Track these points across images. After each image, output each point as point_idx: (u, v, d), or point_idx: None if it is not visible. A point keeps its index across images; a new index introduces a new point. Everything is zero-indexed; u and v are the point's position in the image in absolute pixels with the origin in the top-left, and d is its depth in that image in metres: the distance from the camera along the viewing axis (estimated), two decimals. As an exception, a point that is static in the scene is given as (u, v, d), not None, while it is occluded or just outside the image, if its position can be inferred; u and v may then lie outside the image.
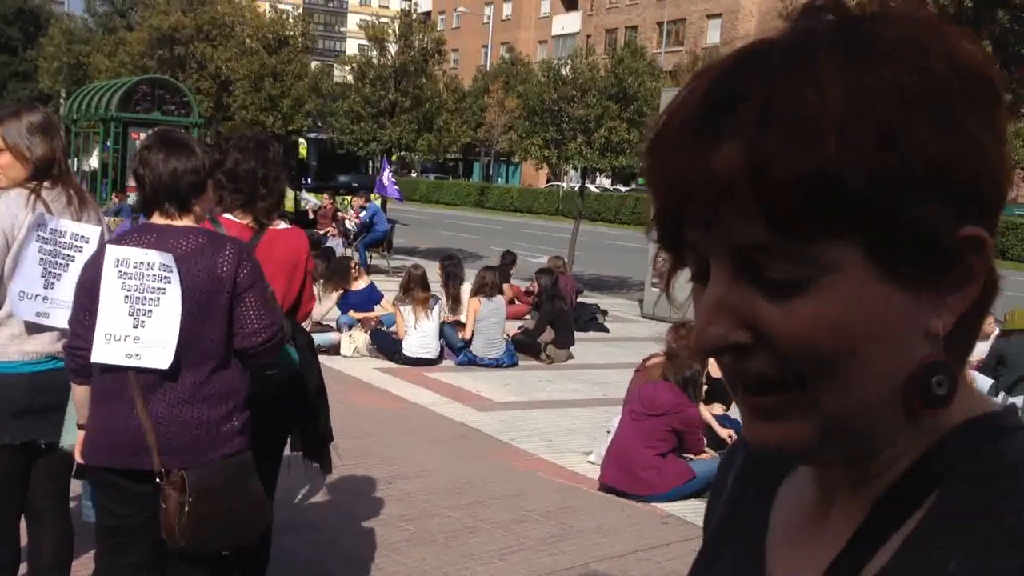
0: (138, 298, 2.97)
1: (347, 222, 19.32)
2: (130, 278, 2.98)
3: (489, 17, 74.06)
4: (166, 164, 3.07)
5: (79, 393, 3.14)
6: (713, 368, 7.79)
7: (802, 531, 0.86)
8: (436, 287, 11.16)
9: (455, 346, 10.64)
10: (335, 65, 38.55)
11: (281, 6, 37.27)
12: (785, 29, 0.75)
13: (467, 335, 10.52)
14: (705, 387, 7.17)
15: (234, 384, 3.13)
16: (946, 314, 0.73)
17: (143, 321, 2.97)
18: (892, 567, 0.74)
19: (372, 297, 11.89)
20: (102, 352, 2.97)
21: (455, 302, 11.62)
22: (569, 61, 18.41)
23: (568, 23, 70.82)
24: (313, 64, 35.97)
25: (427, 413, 8.36)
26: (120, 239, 3.10)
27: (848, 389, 0.72)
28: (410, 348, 10.18)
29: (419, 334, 10.21)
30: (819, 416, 0.74)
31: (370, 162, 30.14)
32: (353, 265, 12.32)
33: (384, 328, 10.88)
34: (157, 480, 2.95)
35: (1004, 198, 0.75)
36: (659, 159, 0.75)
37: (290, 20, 34.63)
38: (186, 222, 3.11)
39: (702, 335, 0.74)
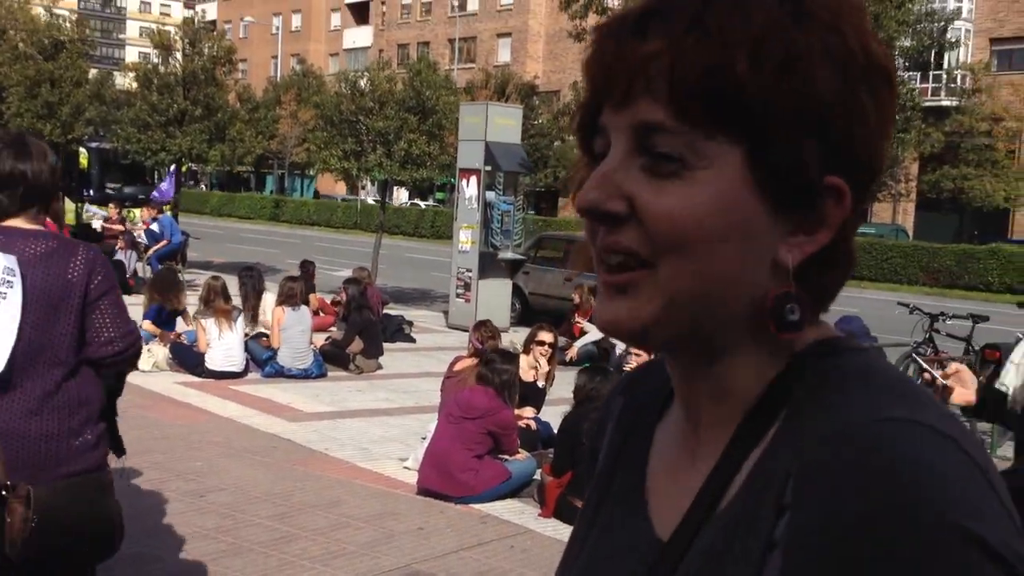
0: None
1: (135, 233, 18.54)
2: None
3: (278, 28, 72.76)
4: (29, 164, 2.93)
5: None
6: (525, 373, 8.01)
7: (676, 468, 0.92)
8: (235, 300, 10.90)
9: (260, 359, 10.43)
10: (118, 72, 36.93)
11: (56, 10, 35.26)
12: None
13: (275, 343, 10.34)
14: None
15: (86, 394, 2.95)
16: (795, 250, 0.81)
17: None
18: (747, 484, 0.80)
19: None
20: None
21: (255, 315, 11.40)
22: (367, 73, 18.37)
23: (359, 37, 70.51)
24: (92, 71, 34.26)
25: (235, 425, 8.17)
26: None
27: (694, 274, 0.80)
28: (214, 361, 9.91)
29: (223, 347, 9.95)
30: (663, 296, 0.81)
31: (156, 172, 28.98)
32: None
33: (185, 342, 10.54)
34: (2, 493, 2.78)
35: (876, 171, 0.84)
36: (598, 47, 0.84)
37: (67, 24, 32.91)
38: (36, 225, 2.98)
39: (584, 196, 0.83)
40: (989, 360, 10.00)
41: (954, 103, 36.53)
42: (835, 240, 0.82)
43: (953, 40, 31.75)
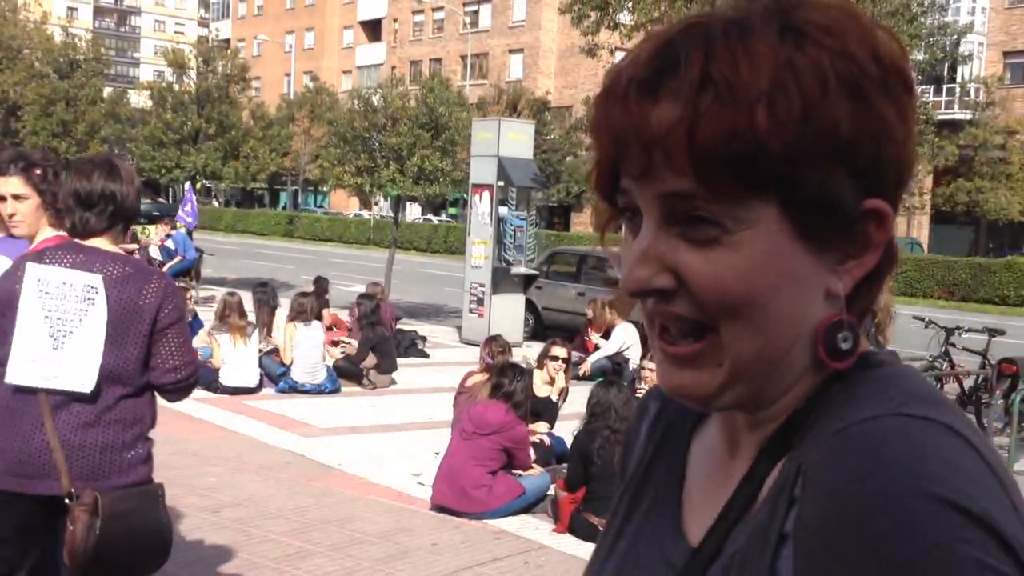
0: (59, 319, 2.90)
1: (151, 249, 18.60)
2: (51, 298, 2.90)
3: (291, 46, 73.16)
4: (119, 185, 3.01)
5: None
6: (538, 388, 7.99)
7: (711, 479, 0.92)
8: (249, 316, 10.93)
9: (274, 374, 10.45)
10: (132, 90, 37.18)
11: (72, 29, 35.52)
12: (726, 8, 0.83)
13: (286, 359, 10.35)
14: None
15: (140, 412, 3.08)
16: (846, 278, 0.82)
17: (63, 343, 2.90)
18: (771, 490, 0.81)
19: (191, 327, 11.51)
20: (19, 373, 2.88)
21: (269, 330, 11.44)
22: (379, 89, 18.46)
23: (372, 54, 70.82)
24: (107, 90, 34.52)
25: (250, 441, 8.17)
26: (42, 257, 3.00)
27: (755, 335, 0.80)
28: (228, 377, 9.93)
29: (237, 362, 9.96)
30: (728, 361, 0.82)
31: (170, 189, 29.16)
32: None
33: (201, 358, 10.55)
34: (67, 501, 2.85)
35: (907, 181, 0.84)
36: (605, 111, 0.83)
37: (82, 43, 33.19)
38: (115, 247, 3.07)
39: (629, 277, 0.82)
40: (1006, 374, 9.93)
41: (968, 116, 36.44)
42: (883, 258, 0.83)
43: (967, 54, 31.69)
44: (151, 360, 3.05)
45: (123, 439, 3.00)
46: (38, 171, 3.53)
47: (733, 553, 0.82)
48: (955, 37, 29.15)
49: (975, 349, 10.83)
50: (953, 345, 10.87)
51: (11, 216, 3.52)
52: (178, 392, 3.15)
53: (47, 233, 3.61)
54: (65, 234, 3.18)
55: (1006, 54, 40.52)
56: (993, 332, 10.91)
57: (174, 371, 3.07)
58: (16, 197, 3.50)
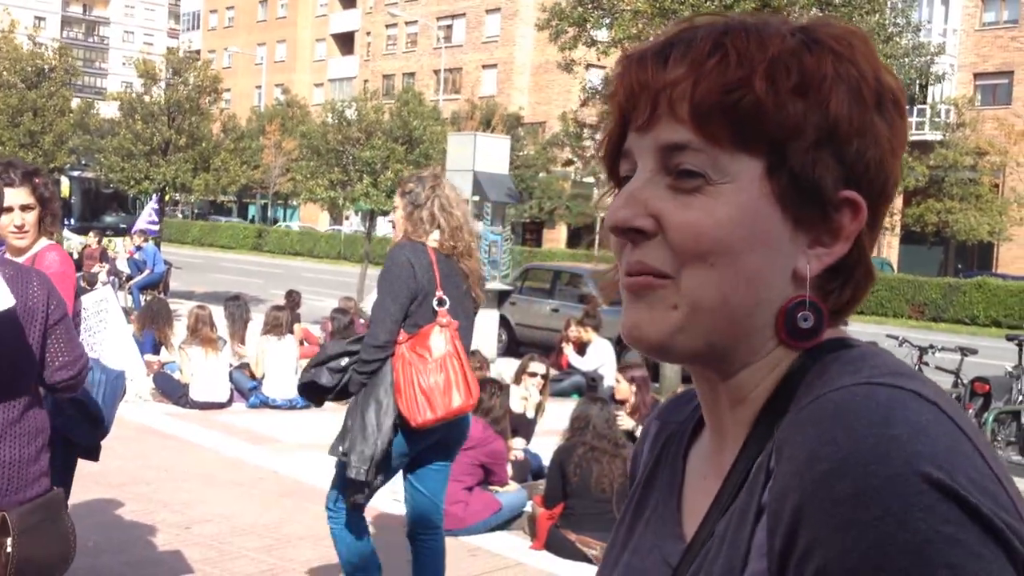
0: None
1: (118, 262, 18.40)
2: None
3: (263, 58, 72.95)
4: None
5: None
6: (515, 404, 7.92)
7: (708, 480, 0.94)
8: (220, 329, 10.79)
9: (244, 389, 10.31)
10: (101, 101, 36.89)
11: (39, 39, 35.17)
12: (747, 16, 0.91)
13: (258, 373, 10.22)
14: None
15: (41, 422, 2.97)
16: (814, 261, 0.85)
17: None
18: (752, 475, 0.83)
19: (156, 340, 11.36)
20: None
21: (241, 344, 11.30)
22: (354, 102, 18.40)
23: (344, 67, 70.75)
24: (75, 101, 34.23)
25: (220, 457, 8.04)
26: None
27: (716, 285, 0.84)
28: (198, 392, 9.77)
29: (208, 376, 9.82)
30: (685, 306, 0.85)
31: (138, 202, 28.93)
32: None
33: (168, 372, 10.40)
34: None
35: (890, 194, 0.88)
36: (624, 73, 0.89)
37: (50, 53, 32.87)
38: None
39: (614, 214, 0.87)
40: (978, 393, 9.99)
41: (938, 137, 36.87)
42: (852, 254, 0.86)
43: (941, 74, 32.07)
44: (44, 360, 2.96)
45: (28, 452, 2.89)
46: (39, 180, 3.49)
47: (718, 535, 0.84)
48: (928, 58, 29.51)
49: (948, 368, 10.89)
50: (926, 364, 10.93)
51: (20, 227, 3.47)
52: (68, 390, 3.07)
53: (43, 243, 3.56)
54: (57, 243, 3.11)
55: (976, 75, 41.09)
56: (965, 351, 10.98)
57: (65, 368, 2.98)
58: (24, 208, 3.46)
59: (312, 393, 4.45)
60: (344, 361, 4.27)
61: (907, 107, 0.92)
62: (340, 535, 4.46)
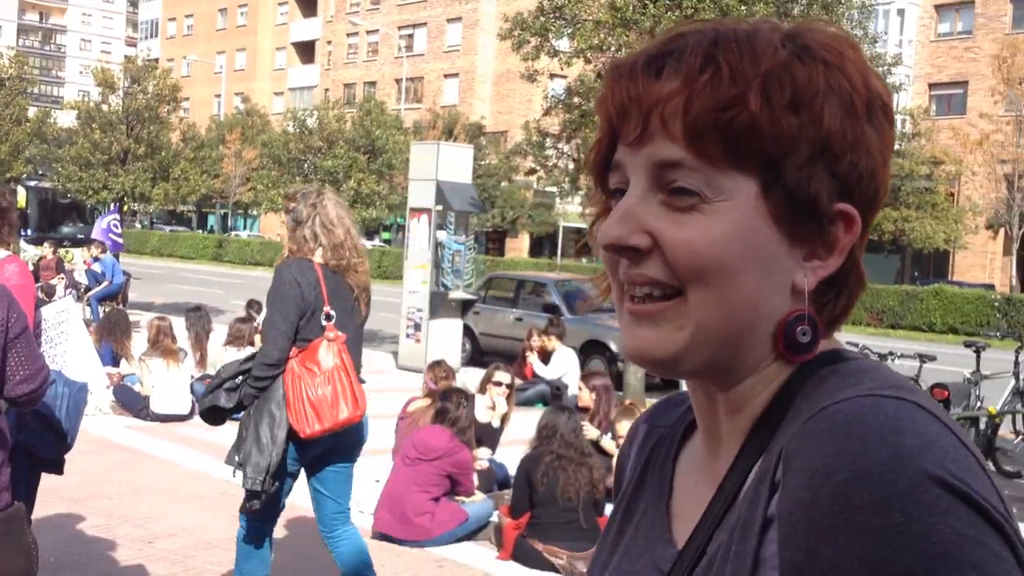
0: None
1: (76, 274, 18.15)
2: None
3: (222, 67, 72.46)
4: None
5: None
6: (480, 413, 7.91)
7: (698, 485, 0.94)
8: (181, 341, 10.68)
9: (206, 400, 10.19)
10: (58, 110, 36.44)
11: (-5, 47, 34.74)
12: (737, 22, 0.89)
13: (221, 387, 10.11)
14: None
15: (3, 437, 2.91)
16: (810, 275, 0.86)
17: None
18: (751, 486, 0.83)
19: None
20: None
21: (203, 356, 11.18)
22: (315, 112, 18.31)
23: (305, 76, 70.44)
24: (31, 110, 33.77)
25: (184, 470, 7.95)
26: None
27: (720, 305, 0.84)
28: (159, 404, 9.66)
29: (169, 388, 9.71)
30: (692, 325, 0.85)
31: (96, 212, 28.58)
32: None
33: (129, 384, 10.27)
34: None
35: (880, 202, 0.89)
36: (612, 84, 0.88)
37: (5, 61, 32.45)
38: None
39: (608, 232, 0.87)
40: (938, 399, 10.09)
41: (895, 147, 37.33)
42: (846, 264, 0.87)
43: (897, 85, 32.51)
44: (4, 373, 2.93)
45: None
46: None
47: (716, 547, 0.84)
48: (885, 68, 29.91)
49: (907, 375, 11.01)
50: (886, 370, 11.03)
51: None
52: (29, 403, 3.04)
53: (1, 255, 3.50)
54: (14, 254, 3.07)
55: (931, 86, 41.74)
56: (924, 358, 11.11)
57: (26, 382, 2.94)
58: None
59: (214, 417, 4.51)
60: (239, 379, 4.38)
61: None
62: (240, 539, 4.62)
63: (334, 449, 4.50)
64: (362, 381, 4.26)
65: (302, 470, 4.57)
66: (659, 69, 0.85)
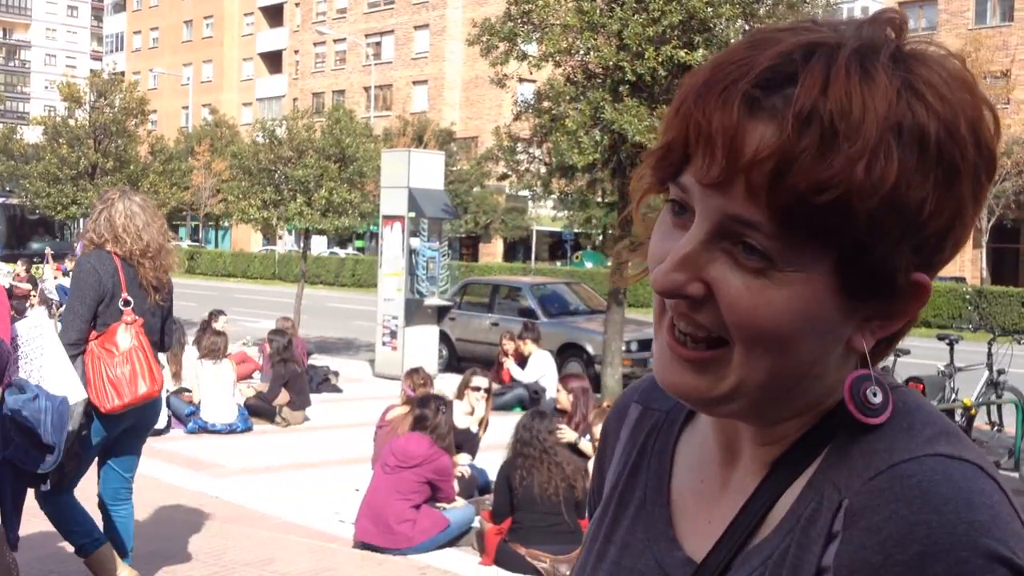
0: None
1: (46, 289, 17.97)
2: None
3: (189, 79, 72.05)
4: None
5: None
6: (459, 419, 7.90)
7: (706, 485, 0.92)
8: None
9: (182, 414, 10.13)
10: (24, 125, 36.11)
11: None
12: (851, 31, 0.79)
13: (196, 399, 10.05)
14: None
15: None
16: (869, 336, 0.82)
17: None
18: (789, 518, 0.82)
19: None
20: None
21: (177, 369, 11.10)
22: (284, 121, 18.20)
23: (273, 86, 70.14)
24: (-3, 126, 33.49)
25: (160, 485, 7.88)
26: None
27: (768, 367, 0.80)
28: (134, 418, 9.57)
29: (144, 403, 9.62)
30: (735, 380, 0.81)
31: (66, 227, 28.32)
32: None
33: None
34: None
35: (953, 257, 0.84)
36: (702, 102, 0.78)
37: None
38: None
39: (665, 276, 0.80)
40: (913, 392, 10.14)
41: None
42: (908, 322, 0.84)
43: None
44: None
45: None
46: None
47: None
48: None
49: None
50: (861, 365, 11.10)
51: None
52: None
53: None
54: None
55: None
56: (899, 352, 11.17)
57: None
58: None
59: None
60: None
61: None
62: (53, 515, 4.85)
63: (134, 427, 4.90)
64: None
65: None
66: (757, 105, 0.76)
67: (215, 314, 13.77)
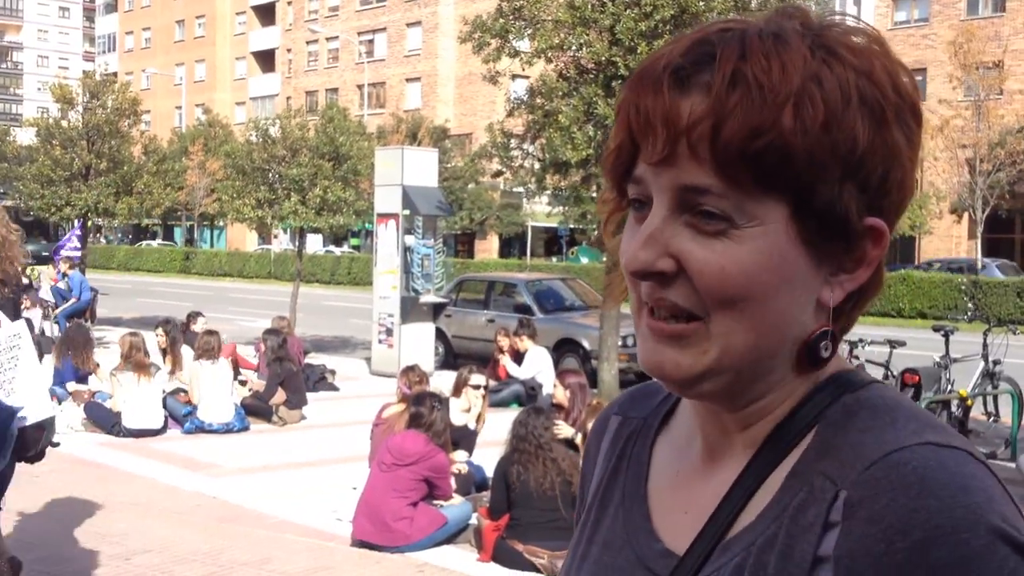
0: None
1: (42, 291, 17.96)
2: None
3: (182, 78, 71.89)
4: None
5: None
6: (455, 416, 7.90)
7: (682, 477, 0.94)
8: (154, 356, 10.60)
9: (179, 415, 10.13)
10: (17, 127, 36.04)
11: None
12: (760, 20, 0.86)
13: (194, 399, 10.05)
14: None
15: None
16: (837, 290, 0.85)
17: None
18: (774, 506, 0.84)
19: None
20: None
21: (177, 368, 11.11)
22: (278, 120, 18.16)
23: (266, 85, 70.01)
24: (-10, 127, 33.40)
25: (158, 485, 7.89)
26: None
27: (746, 331, 0.83)
28: (131, 419, 9.58)
29: (141, 403, 9.62)
30: (716, 352, 0.83)
31: (60, 229, 28.27)
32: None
33: (99, 401, 10.17)
34: None
35: (906, 206, 0.88)
36: (636, 94, 0.84)
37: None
38: None
39: (634, 258, 0.84)
40: (909, 384, 10.19)
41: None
42: (873, 275, 0.87)
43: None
44: None
45: None
46: None
47: (732, 568, 0.83)
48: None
49: (877, 361, 11.10)
50: (857, 358, 11.12)
51: None
52: None
53: None
54: None
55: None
56: (894, 344, 11.20)
57: None
58: None
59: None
60: None
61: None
62: None
63: None
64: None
65: None
66: (685, 82, 0.81)
67: (193, 316, 13.76)
